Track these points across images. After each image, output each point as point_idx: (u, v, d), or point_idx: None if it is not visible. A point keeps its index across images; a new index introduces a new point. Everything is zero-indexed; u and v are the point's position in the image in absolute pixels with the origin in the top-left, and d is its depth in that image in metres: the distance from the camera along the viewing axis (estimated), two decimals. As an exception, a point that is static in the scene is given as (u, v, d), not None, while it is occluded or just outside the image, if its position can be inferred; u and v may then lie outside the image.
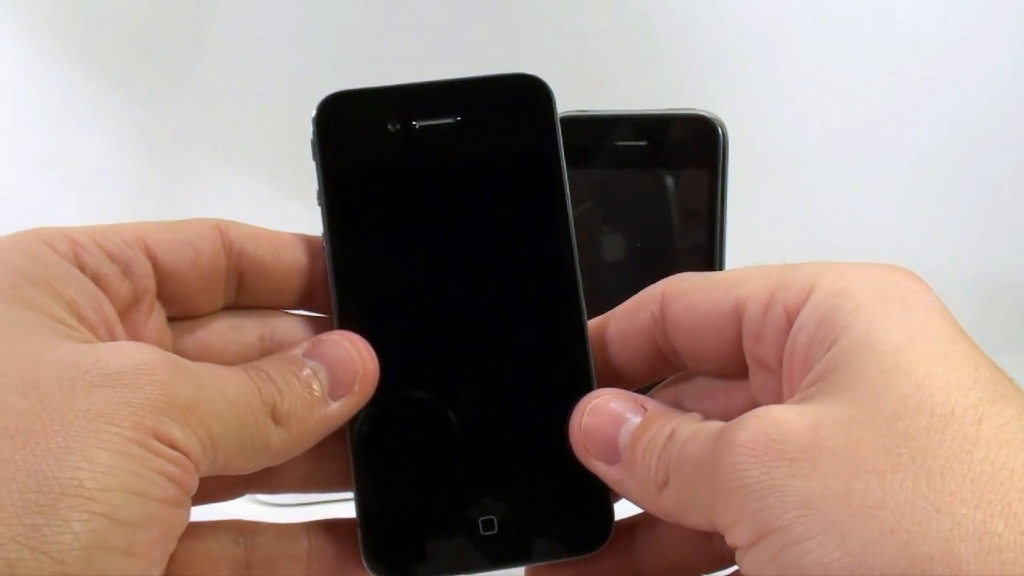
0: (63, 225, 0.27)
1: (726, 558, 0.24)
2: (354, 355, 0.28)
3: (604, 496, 0.30)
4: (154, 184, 0.72)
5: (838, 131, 0.74)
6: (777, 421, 0.23)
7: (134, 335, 0.28)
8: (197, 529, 0.28)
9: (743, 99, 0.72)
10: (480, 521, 0.30)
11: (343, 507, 0.30)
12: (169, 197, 0.72)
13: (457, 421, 0.30)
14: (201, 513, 0.27)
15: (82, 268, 0.26)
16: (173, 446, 0.23)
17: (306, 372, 0.28)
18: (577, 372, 0.30)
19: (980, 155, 0.75)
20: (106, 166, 0.72)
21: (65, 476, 0.21)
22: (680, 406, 0.30)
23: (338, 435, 0.29)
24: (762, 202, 0.70)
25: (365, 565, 0.29)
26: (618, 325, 0.30)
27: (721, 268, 0.50)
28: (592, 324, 0.31)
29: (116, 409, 0.22)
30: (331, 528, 0.30)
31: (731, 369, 0.29)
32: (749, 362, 0.28)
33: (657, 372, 0.31)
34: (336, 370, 0.28)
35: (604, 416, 0.28)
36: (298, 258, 0.30)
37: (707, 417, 0.27)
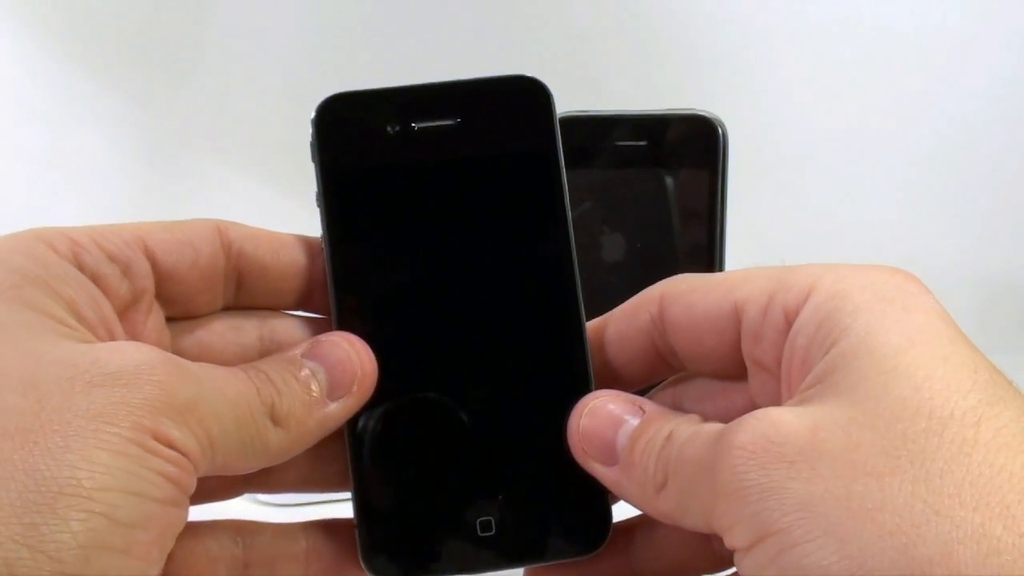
0: (63, 225, 0.27)
1: (725, 560, 0.24)
2: (353, 356, 0.28)
3: (602, 497, 0.30)
4: (154, 184, 0.73)
5: (838, 131, 0.74)
6: (776, 423, 0.23)
7: (133, 335, 0.28)
8: (196, 529, 0.28)
9: (743, 99, 0.72)
10: (478, 522, 0.30)
11: (342, 508, 0.30)
12: (169, 197, 0.72)
13: (455, 422, 0.30)
14: (200, 513, 0.27)
15: (81, 268, 0.26)
16: (171, 446, 0.23)
17: (305, 373, 0.28)
18: (575, 373, 0.30)
19: (980, 155, 0.75)
20: (106, 166, 0.72)
21: (63, 476, 0.21)
22: (679, 407, 0.30)
23: (336, 435, 0.29)
24: (762, 202, 0.70)
25: (362, 565, 0.29)
26: (617, 326, 0.30)
27: (721, 268, 0.50)
28: (591, 325, 0.31)
29: (115, 409, 0.22)
30: (329, 528, 0.30)
31: (730, 371, 0.29)
32: (748, 364, 0.28)
33: (656, 373, 0.31)
34: (335, 371, 0.28)
35: (602, 417, 0.28)
36: (297, 259, 0.30)
37: (706, 419, 0.27)
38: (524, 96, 0.31)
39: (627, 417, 0.28)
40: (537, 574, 0.31)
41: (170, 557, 0.25)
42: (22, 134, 0.71)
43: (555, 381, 0.30)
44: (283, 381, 0.27)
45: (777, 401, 0.26)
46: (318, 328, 0.30)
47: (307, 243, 0.30)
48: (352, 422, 0.29)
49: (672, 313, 0.29)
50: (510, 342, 0.30)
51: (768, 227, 0.71)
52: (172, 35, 0.71)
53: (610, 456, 0.28)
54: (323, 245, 0.30)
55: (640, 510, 0.28)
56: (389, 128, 0.30)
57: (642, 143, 0.50)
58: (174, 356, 0.25)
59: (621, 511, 0.30)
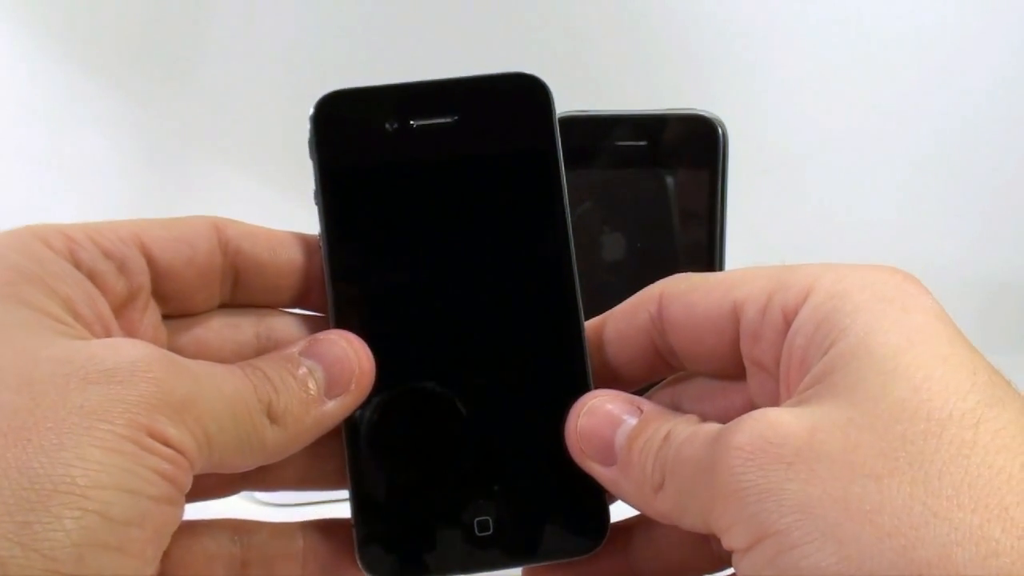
0: (59, 222, 0.27)
1: (723, 560, 0.24)
2: (351, 354, 0.28)
3: (600, 497, 0.30)
4: (154, 184, 0.72)
5: (838, 131, 0.74)
6: (774, 424, 0.23)
7: (129, 332, 0.28)
8: (193, 527, 0.28)
9: (743, 99, 0.72)
10: (475, 522, 0.30)
11: (340, 508, 0.30)
12: (169, 197, 0.72)
13: (453, 421, 0.30)
14: (197, 511, 0.27)
15: (77, 265, 0.26)
16: (167, 443, 0.23)
17: (302, 371, 0.28)
18: (574, 373, 0.30)
19: (980, 155, 0.75)
20: (106, 166, 0.72)
21: (57, 473, 0.21)
22: (678, 407, 0.30)
23: (334, 434, 0.29)
24: (762, 202, 0.70)
25: (359, 565, 0.29)
26: (616, 325, 0.30)
27: (721, 268, 0.50)
28: (590, 324, 0.31)
29: (110, 406, 0.22)
30: (327, 528, 0.30)
31: (729, 370, 0.28)
32: (747, 363, 0.28)
33: (655, 373, 0.31)
34: (332, 369, 0.28)
35: (600, 417, 0.28)
36: (294, 257, 0.30)
37: (705, 418, 0.27)
38: (523, 94, 0.31)
39: (625, 417, 0.28)
40: (535, 574, 0.31)
41: (168, 555, 0.25)
42: (22, 134, 0.71)
43: (553, 380, 0.30)
44: (280, 379, 0.27)
45: (776, 401, 0.26)
46: (316, 326, 0.30)
47: (304, 241, 0.30)
48: (350, 420, 0.29)
49: (671, 312, 0.29)
50: (508, 341, 0.30)
51: (768, 227, 0.71)
52: (172, 35, 0.71)
53: (608, 456, 0.28)
54: (321, 243, 0.30)
55: (638, 510, 0.28)
56: (388, 125, 0.30)
57: (642, 143, 0.50)
58: (170, 353, 0.25)
59: (619, 510, 0.30)
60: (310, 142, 0.30)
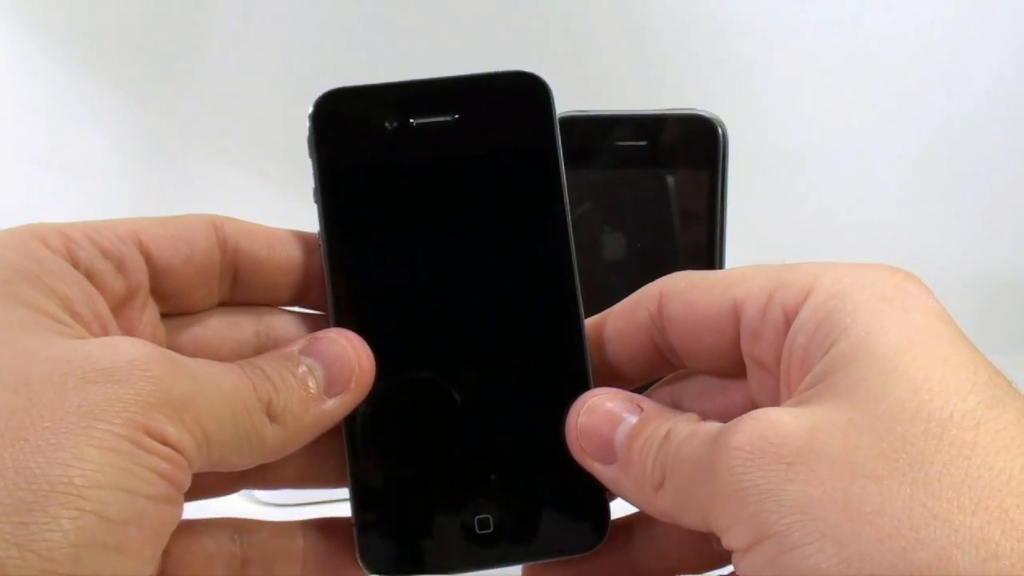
0: (57, 221, 0.27)
1: (723, 557, 0.24)
2: (350, 353, 0.28)
3: (600, 495, 0.30)
4: (154, 184, 0.72)
5: (838, 131, 0.74)
6: (774, 424, 0.23)
7: (128, 331, 0.27)
8: (193, 526, 0.28)
9: (743, 99, 0.72)
10: (476, 520, 0.30)
11: (340, 508, 0.30)
12: (169, 197, 0.72)
13: (453, 420, 0.30)
14: (197, 510, 0.27)
15: (75, 264, 0.26)
16: (165, 442, 0.23)
17: (302, 369, 0.28)
18: (574, 371, 0.30)
19: (980, 155, 0.75)
20: (106, 166, 0.72)
21: (54, 474, 0.21)
22: (678, 405, 0.30)
23: (334, 432, 0.29)
24: (762, 202, 0.70)
25: (360, 563, 0.29)
26: (616, 323, 0.30)
27: (721, 268, 0.50)
28: (590, 322, 0.31)
29: (108, 405, 0.22)
30: (327, 527, 0.30)
31: (729, 368, 0.28)
32: (747, 362, 0.28)
33: (655, 371, 0.31)
34: (332, 368, 0.28)
35: (600, 415, 0.28)
36: (293, 254, 0.30)
37: (705, 417, 0.27)
38: (523, 92, 0.30)
39: (625, 415, 0.28)
40: (535, 572, 0.31)
41: (167, 554, 0.24)
42: (22, 134, 0.71)
43: (553, 379, 0.30)
44: (280, 377, 0.27)
45: (776, 399, 0.26)
46: (315, 324, 0.30)
47: (303, 239, 0.30)
48: (349, 418, 0.29)
49: (671, 310, 0.29)
50: (508, 339, 0.30)
51: (768, 227, 0.71)
52: (172, 35, 0.71)
53: (608, 454, 0.28)
54: (320, 241, 0.30)
55: (638, 508, 0.28)
56: (387, 124, 0.30)
57: (642, 143, 0.50)
58: (169, 351, 0.25)
59: (619, 507, 0.30)
60: (309, 140, 0.30)
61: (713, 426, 0.25)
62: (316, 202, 0.30)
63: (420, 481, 0.30)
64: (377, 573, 0.29)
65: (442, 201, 0.30)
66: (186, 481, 0.24)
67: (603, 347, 0.30)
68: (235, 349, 0.29)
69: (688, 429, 0.26)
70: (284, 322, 0.30)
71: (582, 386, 0.30)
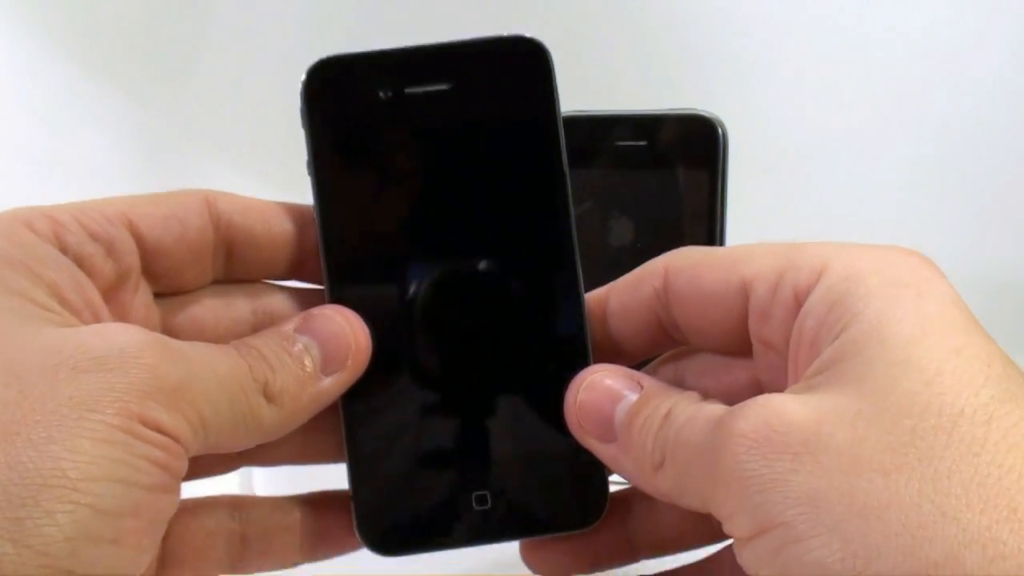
0: (44, 204, 0.26)
1: (722, 533, 0.24)
2: (346, 330, 0.28)
3: (599, 472, 0.30)
4: (154, 184, 0.72)
5: (838, 131, 0.74)
6: (779, 412, 0.23)
7: (120, 315, 0.27)
8: (192, 506, 0.28)
9: (743, 99, 0.72)
10: (474, 495, 0.30)
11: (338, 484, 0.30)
12: (169, 197, 0.72)
13: (451, 395, 0.30)
14: (195, 490, 0.27)
15: (63, 249, 0.26)
16: (160, 430, 0.23)
17: (298, 348, 0.27)
18: (574, 347, 0.30)
19: (980, 155, 0.75)
20: (106, 166, 0.71)
21: (47, 467, 0.21)
22: (681, 382, 0.29)
23: (331, 409, 0.29)
24: (762, 202, 0.70)
25: (358, 538, 0.29)
26: (619, 298, 0.30)
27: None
28: (593, 297, 0.30)
29: (100, 395, 0.22)
30: (323, 501, 0.30)
31: (734, 346, 0.28)
32: (754, 342, 0.27)
33: (658, 346, 0.30)
34: (328, 345, 0.28)
35: (600, 392, 0.28)
36: (287, 228, 0.29)
37: (708, 394, 0.27)
38: (522, 57, 0.30)
39: (625, 392, 0.28)
40: (533, 547, 0.31)
41: (168, 534, 0.24)
42: (22, 134, 0.71)
43: (553, 353, 0.30)
44: (276, 357, 0.27)
45: (783, 380, 0.26)
46: (311, 300, 0.30)
47: (298, 211, 0.30)
48: (346, 395, 0.29)
49: (677, 286, 0.28)
50: (507, 314, 0.30)
51: (768, 227, 0.71)
52: (172, 35, 0.70)
53: (608, 432, 0.27)
54: (315, 215, 0.29)
55: (638, 487, 0.28)
56: (381, 93, 0.29)
57: (642, 143, 0.50)
58: (162, 336, 0.24)
59: (619, 484, 0.30)
60: (301, 111, 0.29)
61: (715, 409, 0.25)
62: (309, 174, 0.29)
63: (418, 457, 0.30)
64: (376, 548, 0.29)
65: (438, 171, 0.30)
66: (182, 468, 0.24)
67: (606, 321, 0.30)
68: (231, 328, 0.29)
69: (690, 410, 0.25)
70: (280, 299, 0.30)
71: (582, 361, 0.29)
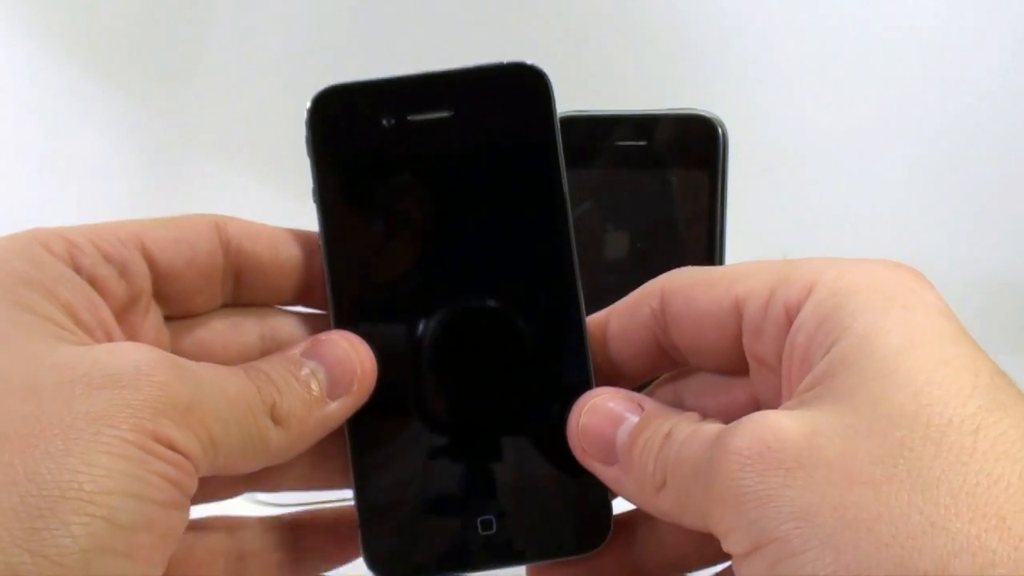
0: (60, 225, 0.27)
1: (726, 554, 0.24)
2: (352, 355, 0.28)
3: (603, 495, 0.30)
4: (154, 184, 0.72)
5: (838, 131, 0.74)
6: (773, 428, 0.23)
7: (131, 336, 0.27)
8: (193, 525, 0.28)
9: (743, 99, 0.72)
10: (479, 520, 0.30)
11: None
12: (169, 197, 0.72)
13: (456, 421, 0.30)
14: (199, 512, 0.27)
15: (78, 270, 0.26)
16: (172, 448, 0.23)
17: (305, 372, 0.28)
18: (576, 370, 0.30)
19: (980, 155, 0.75)
20: (106, 166, 0.72)
21: (64, 480, 0.21)
22: (680, 402, 0.30)
23: (337, 433, 0.29)
24: (762, 202, 0.70)
25: (365, 562, 0.29)
26: (619, 321, 0.30)
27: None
28: (593, 320, 0.31)
29: (115, 411, 0.22)
30: (320, 519, 0.30)
31: (731, 365, 0.28)
32: (749, 359, 0.28)
33: (658, 367, 0.31)
34: (334, 370, 0.28)
35: (602, 415, 0.28)
36: (296, 254, 0.30)
37: (707, 414, 0.27)
38: (522, 84, 0.30)
39: (627, 415, 0.28)
40: (539, 572, 0.31)
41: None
42: (22, 134, 0.71)
43: (555, 378, 0.30)
44: (283, 381, 0.27)
45: (778, 397, 0.26)
46: (319, 325, 0.30)
47: (306, 237, 0.30)
48: (352, 420, 0.29)
49: (674, 307, 0.29)
50: (510, 338, 0.30)
51: (768, 227, 0.71)
52: (172, 35, 0.70)
53: (610, 455, 0.28)
54: (320, 242, 0.30)
55: (640, 508, 0.28)
56: (385, 121, 0.30)
57: (642, 143, 0.50)
58: (174, 356, 0.25)
59: (622, 503, 0.30)
60: (307, 139, 0.30)
61: (713, 427, 0.25)
62: (315, 202, 0.30)
63: (423, 482, 0.30)
64: (381, 573, 0.29)
65: (441, 198, 0.30)
66: (193, 486, 0.24)
67: (606, 344, 0.30)
68: (239, 352, 0.29)
69: (689, 430, 0.26)
70: (288, 324, 0.30)
71: (584, 385, 0.30)
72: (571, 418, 0.29)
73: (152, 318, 0.28)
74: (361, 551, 0.29)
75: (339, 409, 0.28)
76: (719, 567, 0.29)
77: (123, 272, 0.27)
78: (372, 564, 0.29)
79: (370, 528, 0.29)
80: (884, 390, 0.22)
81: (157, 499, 0.22)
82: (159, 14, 0.70)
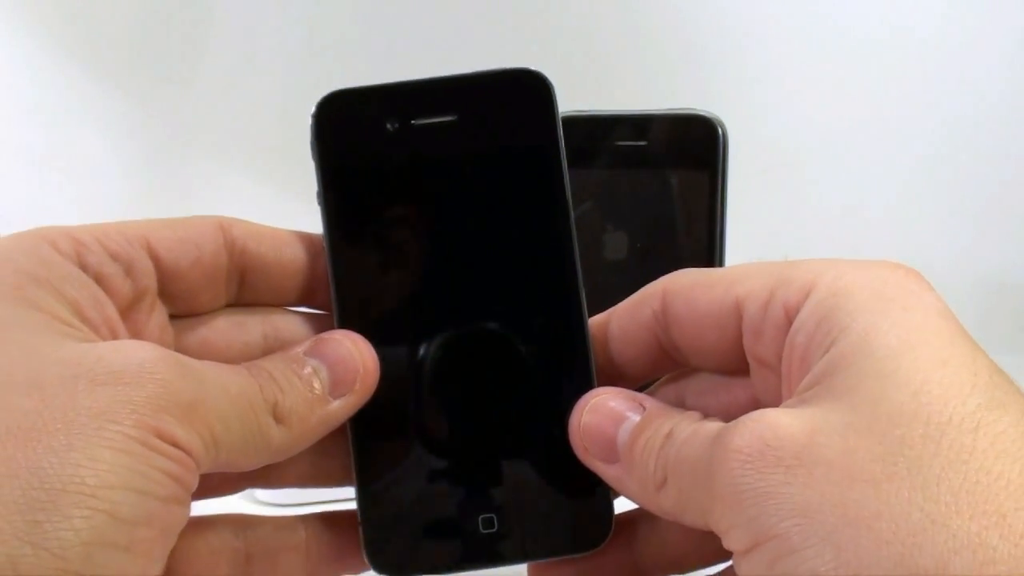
0: (65, 224, 0.27)
1: (728, 553, 0.24)
2: (355, 354, 0.28)
3: (604, 494, 0.30)
4: (154, 184, 0.72)
5: (838, 131, 0.74)
6: (773, 426, 0.23)
7: (136, 334, 0.28)
8: (197, 523, 0.28)
9: (743, 99, 0.72)
10: (480, 519, 0.30)
11: (342, 508, 0.30)
12: (169, 197, 0.72)
13: (458, 419, 0.30)
14: (200, 507, 0.27)
15: (84, 268, 0.26)
16: (175, 444, 0.23)
17: (307, 371, 0.28)
18: (578, 370, 0.30)
19: (980, 155, 0.75)
20: (106, 166, 0.72)
21: (67, 473, 0.21)
22: (682, 402, 0.30)
23: (338, 431, 0.29)
24: (762, 202, 0.70)
25: (366, 561, 0.30)
26: (620, 322, 0.30)
27: (722, 267, 0.50)
28: (594, 321, 0.31)
29: (118, 407, 0.22)
30: (328, 520, 0.30)
31: (732, 366, 0.29)
32: (749, 360, 0.28)
33: (660, 368, 0.31)
34: (337, 369, 0.28)
35: (603, 415, 0.28)
36: (300, 256, 0.30)
37: (708, 414, 0.27)
38: (525, 89, 0.30)
39: (628, 414, 0.28)
40: (540, 571, 0.31)
41: (173, 552, 0.25)
42: (22, 134, 0.71)
43: (557, 378, 0.30)
44: (286, 379, 0.27)
45: (779, 396, 0.26)
46: (322, 325, 0.30)
47: (309, 240, 0.30)
48: (355, 419, 0.29)
49: (674, 308, 0.29)
50: (512, 339, 0.30)
51: (768, 227, 0.71)
52: (172, 35, 0.71)
53: (611, 454, 0.28)
54: (324, 244, 0.30)
55: (642, 507, 0.28)
56: (389, 125, 0.30)
57: (642, 143, 0.50)
58: (177, 354, 0.25)
59: (623, 501, 0.30)
60: (312, 143, 0.30)
61: (713, 426, 0.25)
62: (319, 204, 0.30)
63: (425, 480, 0.30)
64: (383, 571, 0.29)
65: (445, 201, 0.30)
66: (194, 482, 0.24)
67: (607, 345, 0.30)
68: (243, 351, 0.30)
69: (690, 428, 0.26)
70: (291, 323, 0.30)
71: (586, 385, 0.30)
72: (573, 417, 0.29)
73: (157, 316, 0.28)
74: (362, 548, 0.30)
75: (341, 408, 0.28)
76: (720, 566, 0.29)
77: (129, 271, 0.27)
78: (373, 561, 0.30)
79: (371, 525, 0.30)
80: (884, 389, 0.22)
81: (158, 494, 0.23)
82: (159, 14, 0.70)
